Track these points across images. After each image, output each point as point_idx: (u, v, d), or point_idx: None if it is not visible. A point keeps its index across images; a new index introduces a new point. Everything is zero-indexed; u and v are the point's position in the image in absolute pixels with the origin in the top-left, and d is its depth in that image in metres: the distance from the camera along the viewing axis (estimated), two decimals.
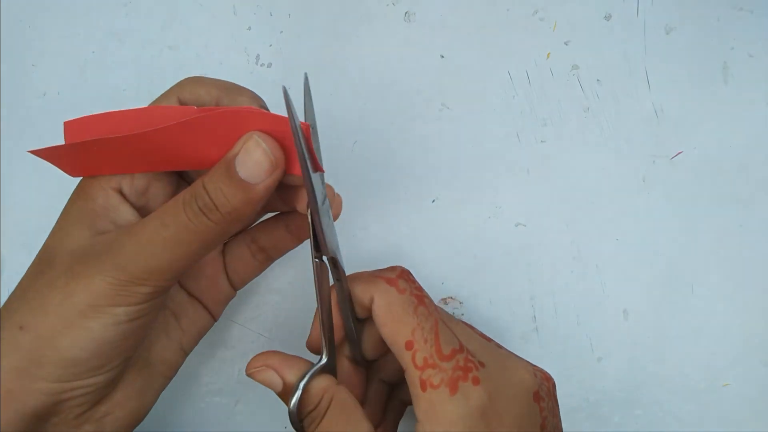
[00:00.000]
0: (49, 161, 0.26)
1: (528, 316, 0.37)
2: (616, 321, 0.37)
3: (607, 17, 0.37)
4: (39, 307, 0.24)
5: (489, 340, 0.30)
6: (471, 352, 0.27)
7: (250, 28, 0.38)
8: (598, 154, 0.37)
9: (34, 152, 0.25)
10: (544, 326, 0.37)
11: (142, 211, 0.27)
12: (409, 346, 0.26)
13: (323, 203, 0.26)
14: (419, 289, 0.28)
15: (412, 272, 0.29)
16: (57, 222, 0.27)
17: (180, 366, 0.30)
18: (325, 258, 0.27)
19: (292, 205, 0.28)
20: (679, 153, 0.37)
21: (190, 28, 0.38)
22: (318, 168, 0.25)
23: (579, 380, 0.37)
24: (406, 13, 0.38)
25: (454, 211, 0.37)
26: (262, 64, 0.38)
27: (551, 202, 0.37)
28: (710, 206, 0.37)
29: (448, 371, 0.25)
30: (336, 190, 0.29)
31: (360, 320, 0.29)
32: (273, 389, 0.28)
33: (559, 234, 0.37)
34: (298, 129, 0.23)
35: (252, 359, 0.28)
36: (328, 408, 0.27)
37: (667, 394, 0.37)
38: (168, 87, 0.26)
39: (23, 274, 0.26)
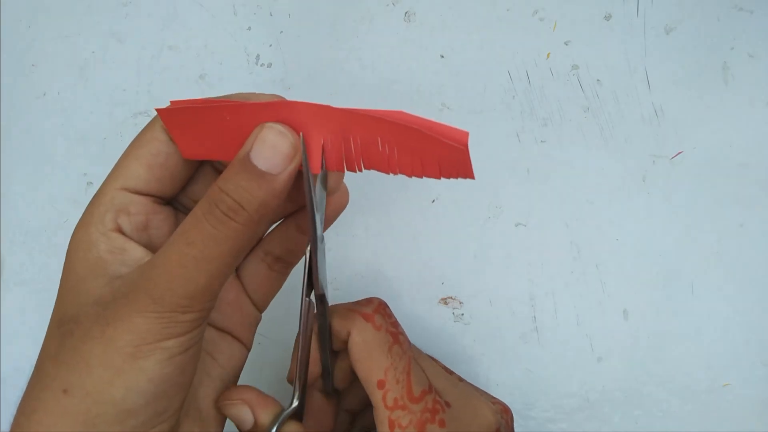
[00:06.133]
0: (170, 131, 0.25)
1: (528, 316, 0.37)
2: (616, 321, 0.37)
3: (607, 17, 0.37)
4: (79, 364, 0.22)
5: (451, 373, 0.31)
6: (439, 391, 0.28)
7: (250, 28, 0.38)
8: (598, 154, 0.37)
9: (159, 110, 0.24)
10: (544, 326, 0.37)
11: (149, 248, 0.25)
12: (381, 385, 0.27)
13: (321, 242, 0.26)
14: (395, 325, 0.29)
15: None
16: (62, 281, 0.24)
17: None
18: (313, 296, 0.27)
19: (301, 199, 0.28)
20: (679, 153, 0.37)
21: (190, 28, 0.38)
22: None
23: (579, 380, 0.37)
24: (406, 13, 0.38)
25: (454, 211, 0.37)
26: (262, 64, 0.38)
27: (551, 202, 0.37)
28: (710, 206, 0.37)
29: (416, 413, 0.26)
30: None
31: (334, 351, 0.29)
32: (241, 426, 0.27)
33: (559, 234, 0.37)
34: (308, 172, 0.23)
35: (228, 391, 0.28)
36: None
37: (667, 394, 0.37)
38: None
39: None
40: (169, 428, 0.24)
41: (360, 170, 0.24)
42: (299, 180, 0.25)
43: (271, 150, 0.23)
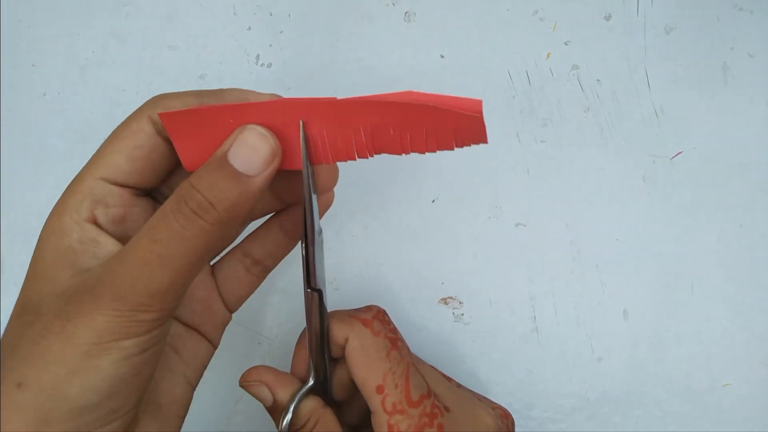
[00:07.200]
0: (173, 138, 0.24)
1: (528, 316, 0.37)
2: (616, 321, 0.37)
3: (607, 17, 0.37)
4: (36, 358, 0.22)
5: (450, 380, 0.31)
6: (438, 396, 0.28)
7: (250, 28, 0.38)
8: (598, 154, 0.37)
9: (162, 114, 0.23)
10: (544, 326, 0.37)
11: (124, 241, 0.24)
12: (379, 390, 0.27)
13: (319, 235, 0.26)
14: (393, 331, 0.29)
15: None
16: (30, 267, 0.24)
17: (190, 402, 0.28)
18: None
19: (289, 197, 0.27)
20: (679, 153, 0.37)
21: (190, 28, 0.38)
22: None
23: (579, 380, 0.37)
24: (406, 13, 0.38)
25: (454, 211, 0.37)
26: (262, 64, 0.38)
27: (551, 202, 0.37)
28: (710, 206, 0.37)
29: (415, 418, 0.26)
30: (336, 190, 0.29)
31: (333, 360, 0.29)
32: (263, 403, 0.28)
33: (559, 234, 0.37)
34: (306, 161, 0.23)
35: (247, 372, 0.28)
36: (314, 428, 0.27)
37: (667, 394, 0.37)
38: (168, 87, 0.26)
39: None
40: (124, 425, 0.23)
41: (371, 156, 0.24)
42: (286, 177, 0.25)
43: (251, 151, 0.22)
